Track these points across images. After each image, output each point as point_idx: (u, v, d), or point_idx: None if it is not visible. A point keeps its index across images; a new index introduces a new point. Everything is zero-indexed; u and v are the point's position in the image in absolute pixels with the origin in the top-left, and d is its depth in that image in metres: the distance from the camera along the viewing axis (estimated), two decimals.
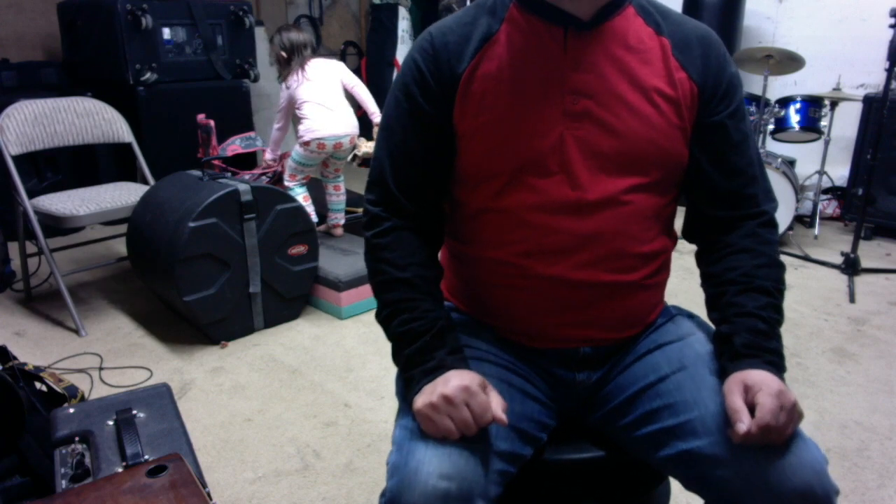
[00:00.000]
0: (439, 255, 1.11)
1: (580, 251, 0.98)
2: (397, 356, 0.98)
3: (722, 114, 1.00)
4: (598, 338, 1.05)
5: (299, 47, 3.05)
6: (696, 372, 0.97)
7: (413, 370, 0.94)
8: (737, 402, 0.86)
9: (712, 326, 1.03)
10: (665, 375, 0.99)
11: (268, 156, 3.25)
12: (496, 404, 0.88)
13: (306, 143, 2.99)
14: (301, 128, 3.00)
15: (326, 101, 3.01)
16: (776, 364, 0.92)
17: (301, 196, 3.11)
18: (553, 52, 0.97)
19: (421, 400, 0.89)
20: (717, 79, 1.00)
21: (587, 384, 1.08)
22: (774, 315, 0.97)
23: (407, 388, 0.95)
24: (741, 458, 0.86)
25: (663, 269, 1.08)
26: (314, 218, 3.16)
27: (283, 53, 3.05)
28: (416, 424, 0.90)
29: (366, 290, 2.76)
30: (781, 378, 0.90)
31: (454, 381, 0.88)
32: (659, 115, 0.97)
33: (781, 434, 0.85)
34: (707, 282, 1.05)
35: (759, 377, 0.88)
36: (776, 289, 0.99)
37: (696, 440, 0.91)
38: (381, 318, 1.01)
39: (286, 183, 3.12)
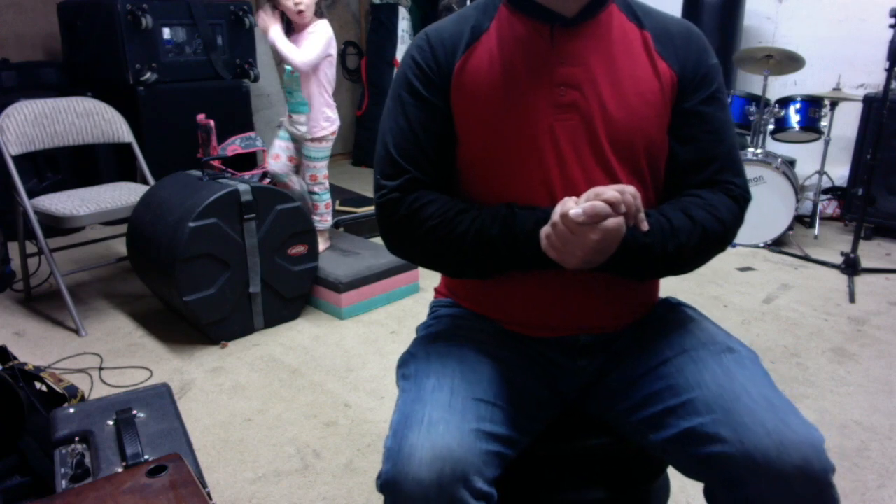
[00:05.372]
0: None
1: None
2: (497, 256, 0.99)
3: (695, 100, 1.02)
4: (597, 326, 1.07)
5: None
6: (698, 355, 0.99)
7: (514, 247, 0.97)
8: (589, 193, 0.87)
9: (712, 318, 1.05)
10: (667, 359, 1.01)
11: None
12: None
13: (333, 133, 2.90)
14: (325, 121, 2.87)
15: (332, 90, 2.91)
16: (641, 254, 0.95)
17: (325, 203, 3.00)
18: (541, 47, 1.00)
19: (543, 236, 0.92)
20: (696, 67, 1.02)
21: (589, 371, 1.09)
22: (681, 237, 0.97)
23: (513, 253, 0.97)
24: (742, 436, 0.87)
25: None
26: (330, 222, 3.07)
27: None
28: (411, 408, 0.91)
29: (366, 291, 2.76)
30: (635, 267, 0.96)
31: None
32: (644, 105, 1.00)
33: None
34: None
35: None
36: (703, 228, 0.98)
37: (697, 418, 0.91)
38: (468, 247, 0.99)
39: (322, 186, 2.96)
